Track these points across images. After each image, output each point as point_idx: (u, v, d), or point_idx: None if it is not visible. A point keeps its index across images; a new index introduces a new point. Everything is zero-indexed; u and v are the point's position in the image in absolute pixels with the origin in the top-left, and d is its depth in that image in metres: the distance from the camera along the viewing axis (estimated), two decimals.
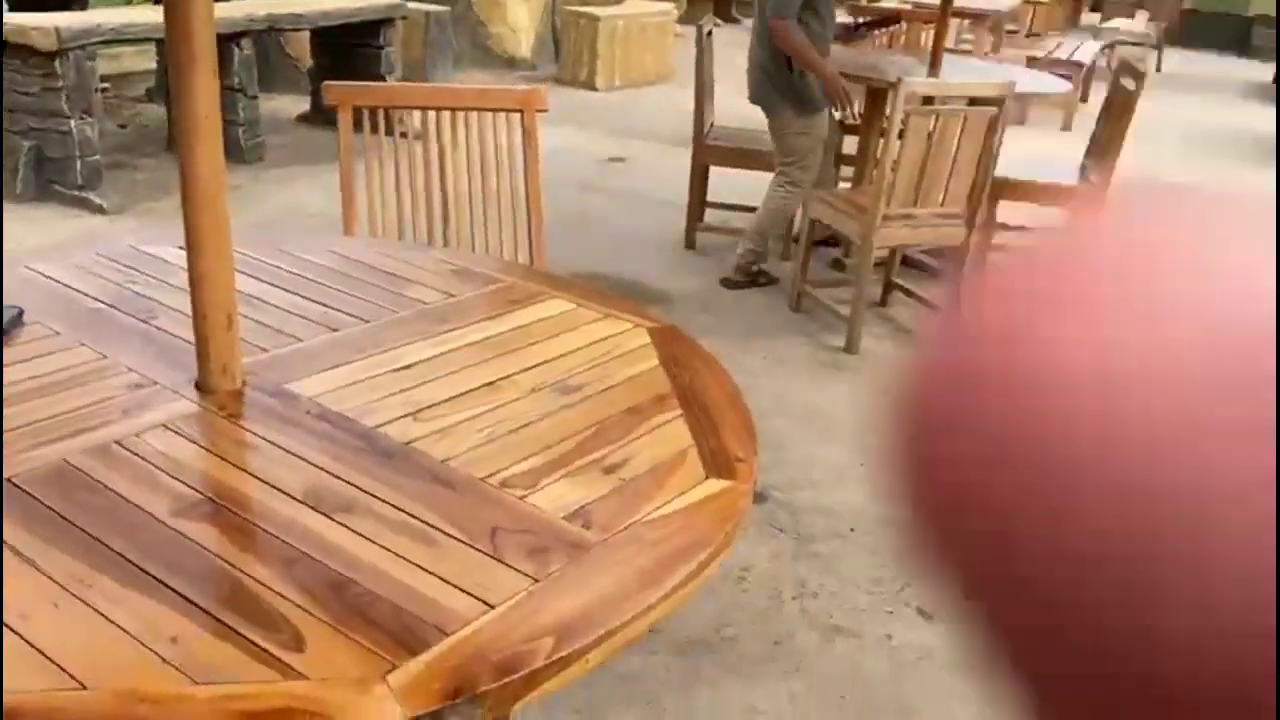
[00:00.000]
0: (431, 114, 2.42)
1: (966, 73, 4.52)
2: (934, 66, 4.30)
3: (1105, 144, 4.25)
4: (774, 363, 3.61)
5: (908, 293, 4.07)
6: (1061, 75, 7.73)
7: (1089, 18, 14.16)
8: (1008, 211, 4.47)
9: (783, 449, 3.02)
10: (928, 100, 3.64)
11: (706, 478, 1.23)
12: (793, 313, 4.04)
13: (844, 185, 4.68)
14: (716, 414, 1.39)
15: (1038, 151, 6.48)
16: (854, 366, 3.63)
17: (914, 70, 4.30)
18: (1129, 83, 4.16)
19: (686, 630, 2.19)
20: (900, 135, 3.41)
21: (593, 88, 8.06)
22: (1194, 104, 9.36)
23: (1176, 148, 7.54)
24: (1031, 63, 7.58)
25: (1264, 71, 11.16)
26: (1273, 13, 12.86)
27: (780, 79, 3.92)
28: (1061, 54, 7.73)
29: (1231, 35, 13.22)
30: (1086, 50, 8.00)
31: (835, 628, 2.28)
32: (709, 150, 4.49)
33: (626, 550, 1.09)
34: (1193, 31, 13.17)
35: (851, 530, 2.64)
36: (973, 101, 3.52)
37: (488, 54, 8.54)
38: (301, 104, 6.48)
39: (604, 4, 8.25)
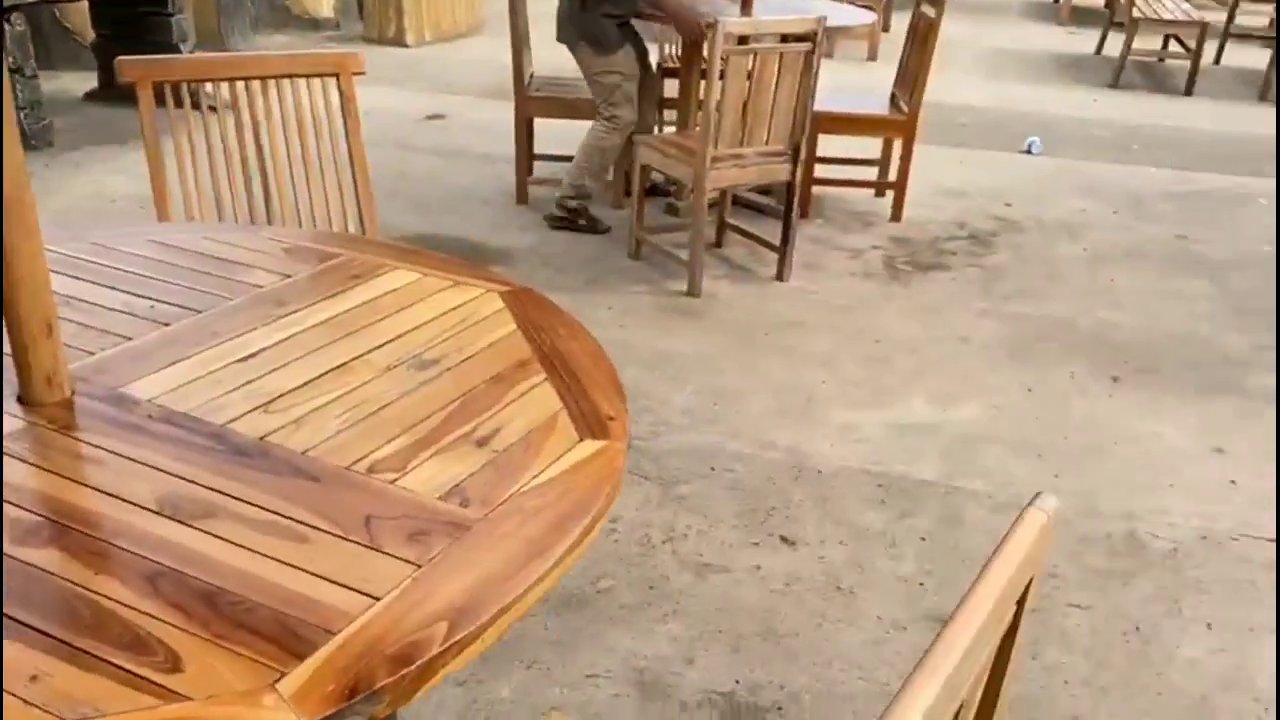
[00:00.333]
0: (240, 84, 2.28)
1: (777, 11, 4.59)
2: (746, 6, 4.34)
3: (913, 71, 4.41)
4: (620, 312, 3.63)
5: (742, 233, 4.15)
6: (864, 6, 7.96)
7: None
8: (827, 145, 4.61)
9: (638, 397, 3.05)
10: (744, 40, 3.69)
11: (580, 440, 1.23)
12: (632, 261, 4.05)
13: (669, 129, 4.71)
14: (582, 374, 1.38)
15: (849, 83, 6.69)
16: (698, 309, 3.68)
17: (727, 11, 4.33)
18: (929, 10, 4.32)
19: (562, 588, 2.20)
20: (721, 76, 3.45)
21: (403, 44, 7.79)
22: (982, 26, 9.82)
23: (976, 69, 7.92)
24: None
25: None
26: None
27: (576, 18, 4.01)
28: None
29: None
30: None
31: (706, 565, 2.33)
32: (531, 102, 4.43)
33: (509, 523, 1.08)
34: None
35: (712, 469, 2.70)
36: (787, 38, 3.59)
37: (287, 15, 8.11)
38: (87, 81, 6.00)
39: None
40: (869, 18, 4.54)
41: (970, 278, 4.05)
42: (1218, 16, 8.77)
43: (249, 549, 1.04)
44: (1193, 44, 7.44)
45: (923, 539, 2.46)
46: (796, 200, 3.84)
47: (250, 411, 1.29)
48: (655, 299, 3.75)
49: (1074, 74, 7.95)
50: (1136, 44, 7.60)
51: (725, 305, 3.72)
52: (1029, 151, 5.78)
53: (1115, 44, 7.92)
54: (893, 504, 2.59)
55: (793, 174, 3.77)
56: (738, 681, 2.01)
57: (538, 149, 4.61)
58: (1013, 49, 8.78)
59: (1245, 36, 8.61)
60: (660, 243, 4.03)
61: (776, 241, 3.92)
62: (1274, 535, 2.53)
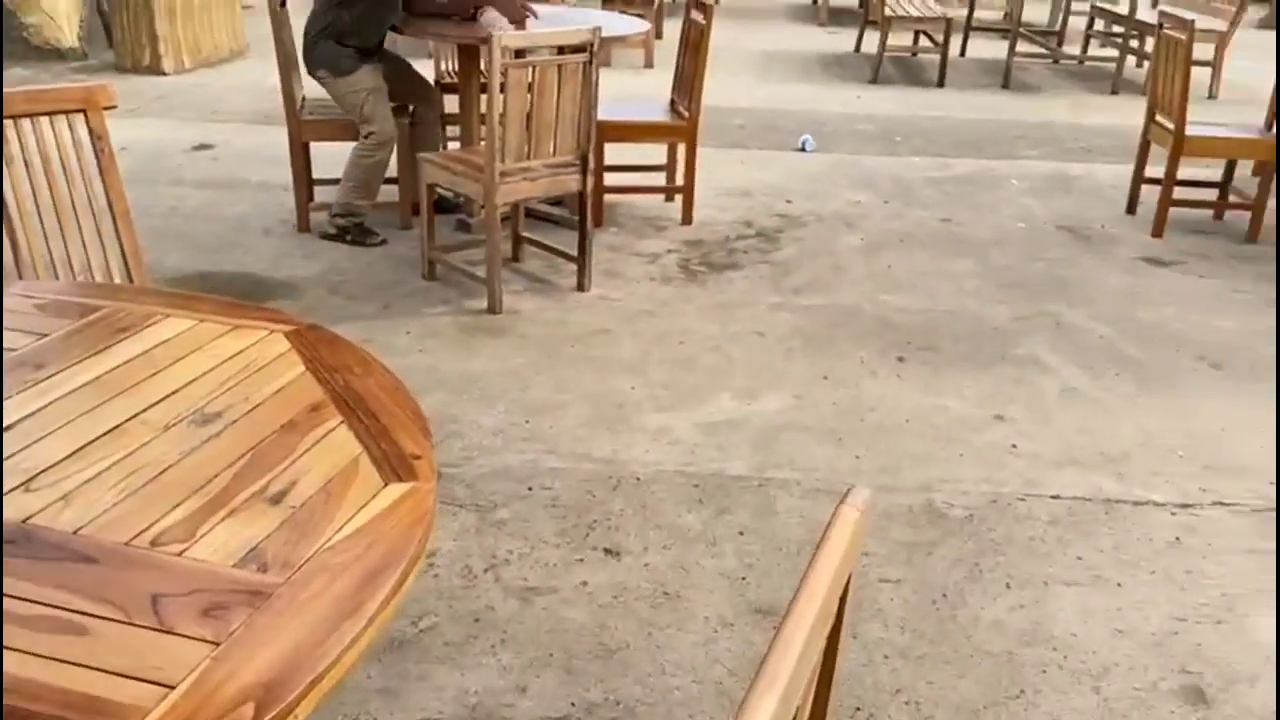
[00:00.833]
0: None
1: (552, 22, 4.60)
2: (516, 22, 4.32)
3: (689, 77, 4.52)
4: (420, 336, 3.53)
5: (539, 245, 4.13)
6: (637, 15, 8.11)
7: None
8: (615, 153, 4.66)
9: (447, 423, 2.97)
10: (521, 53, 3.67)
11: (385, 484, 1.17)
12: (428, 281, 3.96)
13: (453, 145, 4.64)
14: (382, 412, 1.32)
15: (629, 91, 6.80)
16: (501, 326, 3.63)
17: (506, 27, 4.30)
18: (699, 17, 4.44)
19: (383, 634, 2.11)
20: (501, 90, 3.41)
21: (160, 72, 7.32)
22: (748, 30, 10.22)
23: (747, 72, 8.22)
24: (607, 4, 7.89)
25: None
26: None
27: (311, 47, 4.06)
28: None
29: None
30: None
31: (531, 589, 2.30)
32: (305, 125, 4.25)
33: (315, 584, 1.01)
34: None
35: (530, 489, 2.66)
36: (565, 50, 3.59)
37: (26, 46, 7.47)
38: None
39: None
40: (642, 26, 4.62)
41: (762, 274, 4.18)
42: (960, 12, 9.46)
43: (22, 651, 0.93)
44: (940, 39, 7.99)
45: (740, 533, 2.51)
46: (590, 209, 3.86)
47: (9, 492, 1.16)
48: (456, 319, 3.67)
49: (837, 72, 8.39)
50: (891, 41, 8.09)
51: (528, 320, 3.69)
52: (803, 149, 6.04)
53: (872, 42, 8.41)
54: (710, 502, 2.64)
55: (583, 184, 3.78)
56: (573, 704, 1.99)
57: (317, 173, 4.43)
58: (779, 51, 9.17)
59: (985, 29, 9.33)
60: (455, 261, 3.95)
61: (574, 252, 3.92)
62: (1063, 493, 2.73)
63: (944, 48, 7.95)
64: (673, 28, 9.48)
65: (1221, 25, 7.82)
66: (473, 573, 2.34)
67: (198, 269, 4.02)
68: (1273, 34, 9.79)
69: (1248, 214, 4.68)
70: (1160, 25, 4.68)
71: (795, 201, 5.10)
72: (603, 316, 3.72)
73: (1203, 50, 7.72)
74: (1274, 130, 4.70)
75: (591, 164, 3.79)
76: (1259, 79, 7.54)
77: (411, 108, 4.40)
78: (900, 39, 8.49)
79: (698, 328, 3.68)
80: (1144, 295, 4.07)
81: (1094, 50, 8.94)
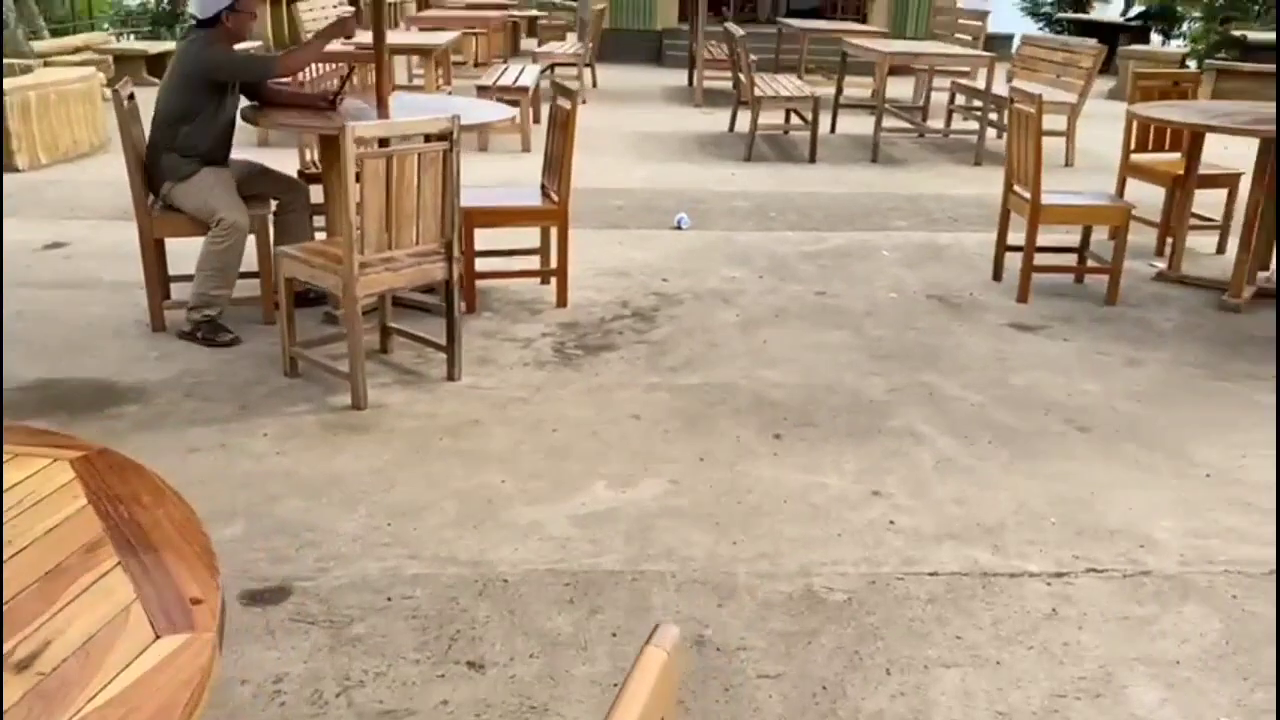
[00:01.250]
0: None
1: (418, 109, 4.54)
2: (381, 107, 4.25)
3: (558, 160, 4.49)
4: (278, 438, 3.34)
5: (407, 335, 4.00)
6: (510, 100, 8.15)
7: (528, 43, 15.17)
8: (489, 238, 4.58)
9: (301, 531, 2.79)
10: (384, 143, 3.59)
11: (157, 637, 1.03)
12: (290, 379, 3.78)
13: (321, 235, 4.50)
14: (166, 549, 1.18)
15: (505, 175, 6.77)
16: (366, 423, 3.47)
17: (366, 114, 4.22)
18: (565, 102, 4.44)
19: None
20: (359, 180, 3.31)
21: (13, 169, 6.99)
22: (628, 112, 10.37)
23: (627, 153, 8.29)
24: (482, 91, 7.90)
25: (676, 78, 12.71)
26: (674, 24, 14.68)
27: (155, 160, 4.03)
28: (507, 80, 8.14)
29: (648, 49, 14.88)
30: (529, 74, 8.51)
31: (388, 713, 2.13)
32: (156, 222, 4.07)
33: None
34: (616, 48, 14.61)
35: (389, 600, 2.50)
36: (428, 138, 3.52)
37: None
38: None
39: (10, 74, 7.19)
40: (508, 113, 4.58)
41: (638, 354, 4.12)
42: (829, 90, 9.78)
43: None
44: (810, 116, 8.21)
45: (613, 635, 2.39)
46: (458, 297, 3.75)
47: None
48: (318, 417, 3.50)
49: (713, 151, 8.53)
50: (763, 120, 8.29)
51: (395, 414, 3.54)
52: (679, 227, 6.07)
53: (746, 121, 8.59)
54: (581, 602, 2.51)
55: (449, 272, 3.68)
56: None
57: (174, 270, 4.24)
58: (657, 132, 9.30)
59: (853, 106, 9.65)
60: (318, 356, 3.79)
61: (443, 341, 3.80)
62: (941, 569, 2.69)
63: (814, 125, 8.17)
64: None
65: (1072, 97, 8.24)
66: (324, 698, 2.16)
67: (39, 376, 3.76)
68: (1120, 104, 10.39)
69: (1106, 277, 4.84)
70: (1011, 100, 4.87)
71: (672, 280, 5.08)
72: (474, 406, 3.60)
73: (1056, 121, 8.12)
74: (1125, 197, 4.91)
75: (459, 251, 3.70)
76: (1110, 146, 7.92)
77: (276, 201, 4.28)
78: (772, 118, 8.71)
79: (572, 413, 3.58)
80: (1013, 361, 4.14)
81: (957, 124, 9.32)
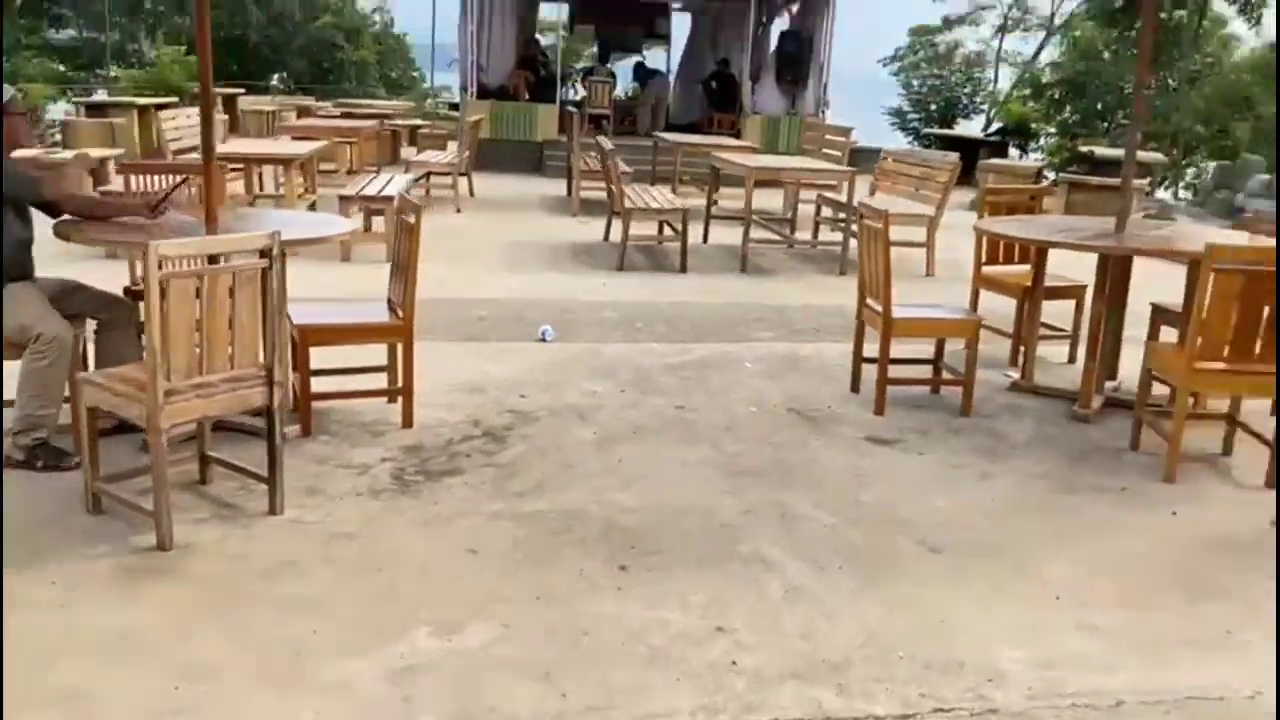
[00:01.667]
0: None
1: (253, 224, 4.33)
2: (210, 222, 4.03)
3: (403, 272, 4.32)
4: (66, 587, 2.99)
5: (225, 464, 3.71)
6: (375, 210, 8.01)
7: (410, 152, 15.12)
8: (324, 357, 4.35)
9: (78, 698, 2.46)
10: (215, 259, 3.36)
11: None
12: (93, 516, 3.44)
13: None
14: None
15: (367, 288, 6.54)
16: (170, 566, 3.15)
17: (190, 229, 3.99)
18: (409, 215, 4.30)
19: None
20: (164, 301, 3.07)
21: None
22: (505, 221, 10.33)
23: (498, 262, 8.18)
24: (344, 201, 7.73)
25: (556, 187, 12.78)
26: (554, 136, 14.86)
27: None
28: (372, 189, 8.00)
29: (529, 159, 15.00)
30: (396, 184, 8.39)
31: None
32: None
33: None
34: (498, 157, 14.69)
35: None
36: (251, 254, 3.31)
37: None
38: None
39: None
40: (346, 226, 4.40)
41: (484, 478, 3.91)
42: (701, 202, 9.93)
43: None
44: (680, 227, 8.26)
45: None
46: (280, 425, 3.49)
47: None
48: (117, 560, 3.17)
49: (586, 260, 8.50)
50: (635, 230, 8.31)
51: (205, 555, 3.23)
52: (543, 339, 5.93)
53: (620, 230, 8.61)
54: None
55: (270, 397, 3.43)
56: None
57: None
58: (532, 241, 9.24)
59: (724, 218, 9.79)
60: (127, 491, 3.46)
61: (266, 471, 3.52)
62: (783, 715, 2.51)
63: (684, 236, 8.22)
64: (436, 220, 9.41)
65: (930, 209, 8.51)
66: None
67: None
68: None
69: (961, 389, 4.86)
70: (860, 215, 4.93)
71: (530, 395, 4.91)
72: (294, 544, 3.31)
73: (916, 233, 8.37)
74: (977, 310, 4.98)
75: (293, 369, 3.46)
76: (969, 256, 8.16)
77: (95, 321, 3.99)
78: (645, 228, 8.75)
79: (404, 548, 3.33)
80: (867, 476, 4.07)
81: (823, 235, 9.53)
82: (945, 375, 5.06)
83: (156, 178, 5.18)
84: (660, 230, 9.07)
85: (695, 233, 8.97)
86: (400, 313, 4.33)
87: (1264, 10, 20.14)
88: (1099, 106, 22.80)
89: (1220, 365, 3.94)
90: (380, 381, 4.60)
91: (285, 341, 4.17)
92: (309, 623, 2.86)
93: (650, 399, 4.96)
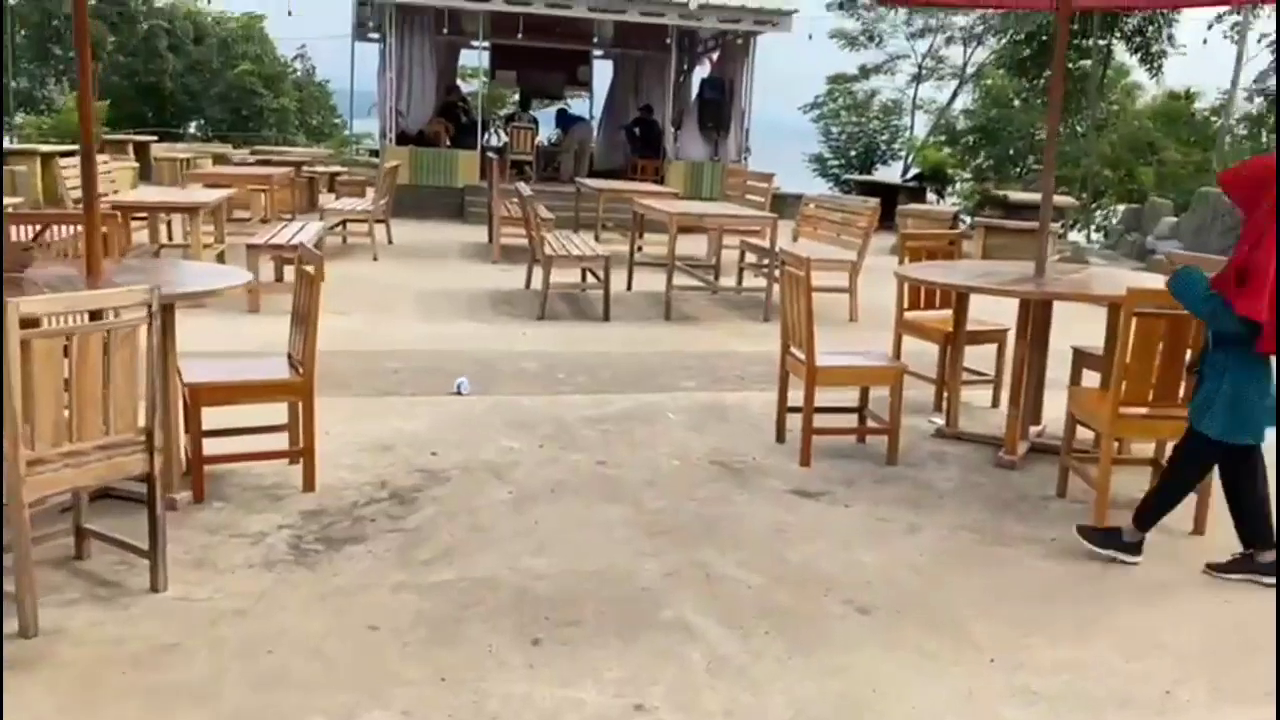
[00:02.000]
0: None
1: (145, 275, 4.06)
2: (92, 275, 3.76)
3: (303, 325, 4.09)
4: None
5: (103, 538, 3.40)
6: (285, 259, 7.73)
7: (328, 198, 14.80)
8: (221, 416, 4.08)
9: None
10: (97, 314, 3.10)
11: None
12: None
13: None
14: None
15: (269, 339, 6.25)
16: (34, 655, 2.84)
17: (70, 282, 3.72)
18: (309, 267, 4.07)
19: None
20: (26, 363, 2.80)
21: None
22: (423, 270, 10.09)
23: (414, 313, 7.94)
24: (251, 250, 7.44)
25: (477, 234, 12.58)
26: (476, 182, 14.68)
27: None
28: (282, 238, 7.72)
29: (450, 205, 14.79)
30: (308, 231, 8.11)
31: None
32: None
33: None
34: (419, 203, 14.46)
35: None
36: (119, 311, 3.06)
37: None
38: None
39: None
40: (240, 278, 4.14)
41: (389, 546, 3.66)
42: (624, 248, 9.82)
43: None
44: (603, 275, 8.12)
45: None
46: (161, 495, 3.22)
47: None
48: None
49: (506, 309, 8.30)
50: (557, 278, 8.15)
51: (74, 641, 2.93)
52: (459, 392, 5.71)
53: (542, 278, 8.44)
54: None
55: (150, 464, 3.16)
56: None
57: None
58: (450, 289, 9.02)
59: (648, 264, 9.69)
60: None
61: (148, 544, 3.24)
62: None
63: (606, 284, 8.08)
64: (351, 268, 9.09)
65: (852, 255, 8.52)
66: None
67: None
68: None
69: (886, 437, 4.76)
70: (782, 262, 4.83)
71: (442, 453, 4.68)
72: (177, 625, 3.03)
73: (839, 278, 8.35)
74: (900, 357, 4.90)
75: (161, 439, 3.20)
76: (892, 301, 8.16)
77: None
78: (568, 275, 8.59)
79: (298, 626, 3.06)
80: (793, 532, 3.92)
81: (748, 281, 9.47)
82: (870, 424, 4.96)
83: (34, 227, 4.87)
84: (583, 277, 8.93)
85: (619, 279, 8.84)
86: (300, 369, 4.08)
87: (1164, 61, 20.99)
88: (1010, 152, 23.45)
89: (1144, 410, 3.90)
90: (282, 441, 4.33)
91: (174, 402, 3.91)
92: (187, 715, 2.58)
93: (570, 454, 4.76)
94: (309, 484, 4.12)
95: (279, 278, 8.35)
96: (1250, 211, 3.41)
